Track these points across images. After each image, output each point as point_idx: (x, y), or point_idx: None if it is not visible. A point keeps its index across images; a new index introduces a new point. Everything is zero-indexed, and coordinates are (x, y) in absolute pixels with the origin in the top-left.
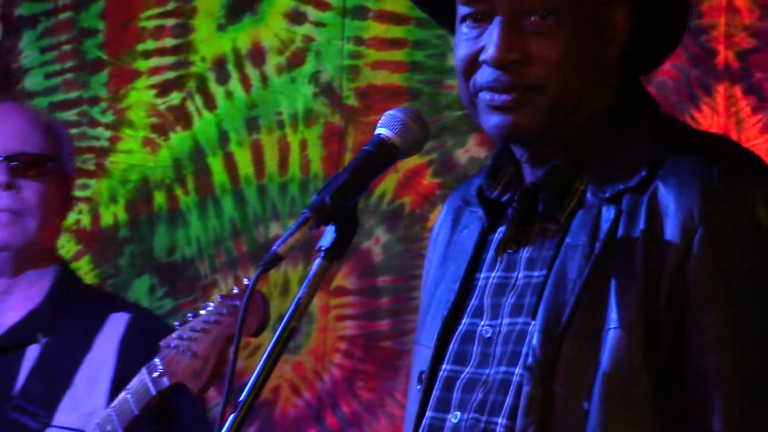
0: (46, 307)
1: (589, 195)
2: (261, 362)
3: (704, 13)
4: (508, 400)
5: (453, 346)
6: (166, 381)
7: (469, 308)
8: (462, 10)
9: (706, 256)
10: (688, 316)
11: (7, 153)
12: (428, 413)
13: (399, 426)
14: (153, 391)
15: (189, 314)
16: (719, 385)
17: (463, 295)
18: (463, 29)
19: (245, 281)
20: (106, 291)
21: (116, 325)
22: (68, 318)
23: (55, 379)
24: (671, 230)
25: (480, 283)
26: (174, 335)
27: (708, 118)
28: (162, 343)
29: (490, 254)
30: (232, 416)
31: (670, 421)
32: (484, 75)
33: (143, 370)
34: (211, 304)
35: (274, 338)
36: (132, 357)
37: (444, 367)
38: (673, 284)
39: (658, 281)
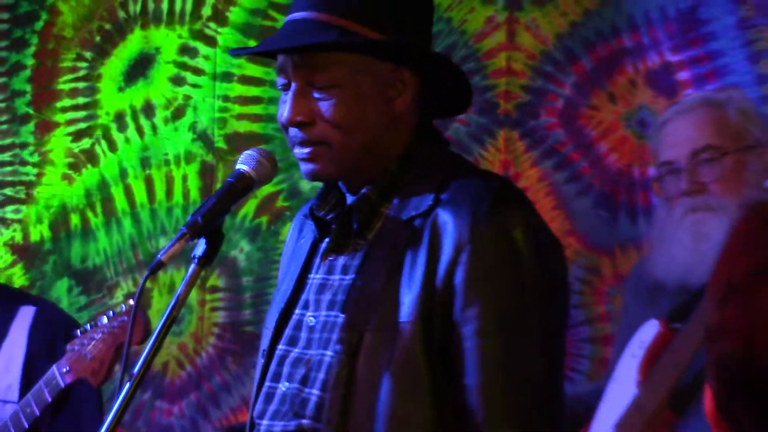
0: None
1: (390, 218)
2: (150, 343)
3: (489, 75)
4: (321, 375)
5: (287, 331)
6: (71, 377)
7: (300, 301)
8: (277, 81)
9: (471, 266)
10: (456, 311)
11: None
12: (266, 383)
13: None
14: (62, 384)
15: (88, 324)
16: (477, 366)
17: (298, 290)
18: (282, 95)
19: (130, 302)
20: (13, 287)
21: (25, 315)
22: None
23: None
24: (447, 246)
25: (310, 281)
26: (77, 341)
27: (492, 155)
28: (68, 347)
29: (318, 259)
30: (128, 384)
31: (441, 397)
32: (291, 132)
33: (54, 368)
34: (104, 318)
35: (160, 324)
36: (39, 340)
37: (279, 346)
38: (445, 287)
39: (434, 285)
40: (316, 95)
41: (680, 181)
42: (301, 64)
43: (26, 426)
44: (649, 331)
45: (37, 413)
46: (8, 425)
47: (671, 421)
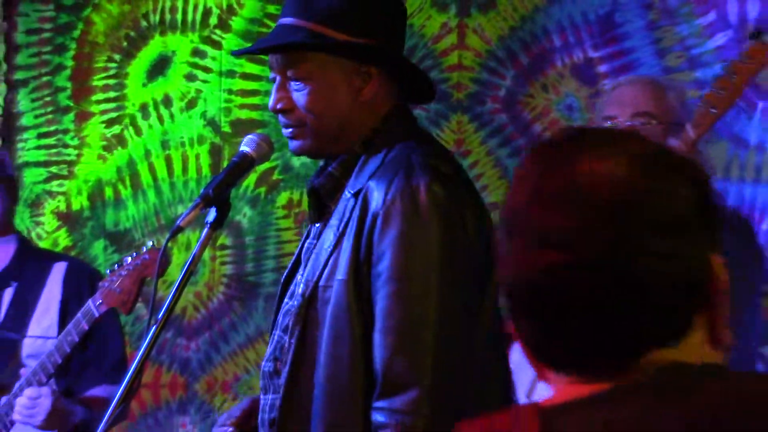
0: (14, 263)
1: (345, 191)
2: (172, 292)
3: (444, 70)
4: (289, 323)
5: (291, 287)
6: (104, 308)
7: (302, 263)
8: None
9: (383, 229)
10: (372, 267)
11: None
12: (274, 331)
13: (263, 330)
14: (96, 314)
15: (116, 264)
16: (383, 312)
17: (300, 253)
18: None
19: (150, 243)
20: (46, 248)
21: (59, 269)
22: (28, 269)
23: (25, 307)
24: (369, 214)
25: (306, 246)
26: (107, 278)
27: (447, 135)
28: (100, 284)
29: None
30: (154, 326)
31: (368, 335)
32: (279, 117)
33: (90, 302)
34: (129, 258)
35: (180, 277)
36: (70, 288)
37: (285, 300)
38: (367, 248)
39: (360, 248)
40: (293, 86)
41: None
42: (281, 61)
43: (68, 350)
44: None
45: (77, 340)
46: (54, 352)
47: None
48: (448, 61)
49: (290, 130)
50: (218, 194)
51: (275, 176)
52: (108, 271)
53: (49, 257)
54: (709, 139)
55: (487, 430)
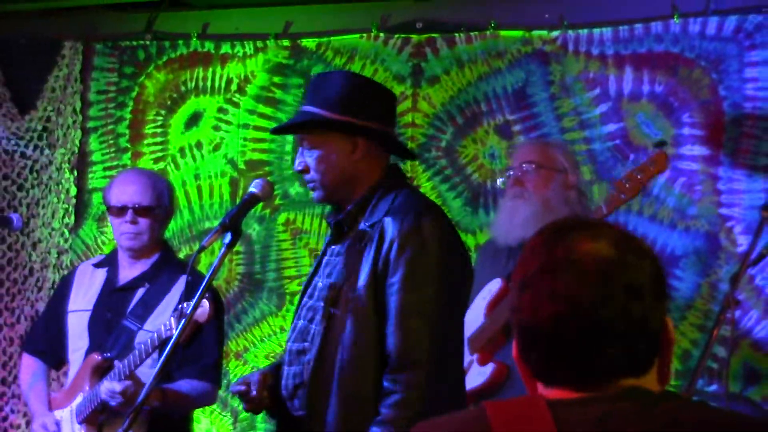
0: (149, 270)
1: (361, 224)
2: (199, 289)
3: (401, 126)
4: (317, 317)
5: (309, 290)
6: (169, 332)
7: (318, 273)
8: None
9: (397, 253)
10: (388, 278)
11: (132, 204)
12: (295, 320)
13: (266, 314)
14: (164, 336)
15: (183, 305)
16: (396, 310)
17: (318, 266)
18: None
19: (190, 304)
20: (183, 260)
21: (183, 281)
22: (161, 276)
23: (148, 306)
24: (386, 241)
25: (324, 261)
26: (176, 312)
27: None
28: (172, 314)
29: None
30: (188, 313)
31: (380, 327)
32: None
33: (162, 326)
34: (188, 305)
35: (206, 279)
36: (187, 299)
37: (305, 299)
38: (383, 265)
39: (378, 264)
40: (307, 153)
41: (512, 180)
42: (300, 136)
43: (144, 358)
44: (495, 284)
45: (150, 350)
46: (136, 355)
47: (503, 342)
48: (404, 120)
49: (309, 185)
50: (233, 223)
51: (277, 201)
52: (178, 306)
53: (179, 268)
54: (594, 181)
55: (510, 413)
